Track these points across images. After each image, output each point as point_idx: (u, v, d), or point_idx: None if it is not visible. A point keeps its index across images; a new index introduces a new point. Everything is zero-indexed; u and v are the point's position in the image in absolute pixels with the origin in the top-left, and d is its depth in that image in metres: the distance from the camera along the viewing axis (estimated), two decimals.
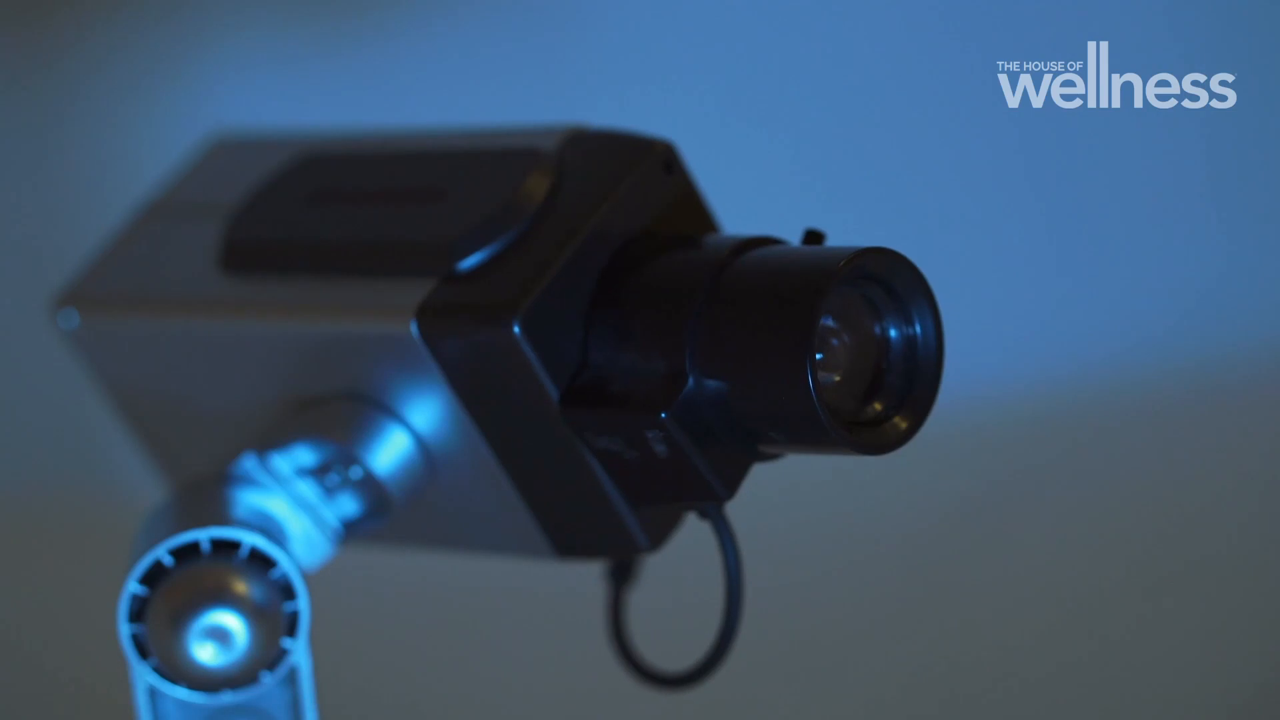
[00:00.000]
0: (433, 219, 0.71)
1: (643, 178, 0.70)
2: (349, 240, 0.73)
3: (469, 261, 0.69)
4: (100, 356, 0.79)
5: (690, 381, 0.65)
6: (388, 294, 0.70)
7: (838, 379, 0.66)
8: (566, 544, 0.72)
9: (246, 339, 0.74)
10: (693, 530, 0.73)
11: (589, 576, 0.81)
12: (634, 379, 0.66)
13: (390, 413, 0.72)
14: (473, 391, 0.69)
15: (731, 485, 0.67)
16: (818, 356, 0.65)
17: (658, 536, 0.70)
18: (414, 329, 0.69)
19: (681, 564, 0.83)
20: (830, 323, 0.66)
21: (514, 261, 0.68)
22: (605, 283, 0.68)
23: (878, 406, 0.66)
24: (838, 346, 0.66)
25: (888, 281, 0.66)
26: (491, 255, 0.69)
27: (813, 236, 0.68)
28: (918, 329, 0.66)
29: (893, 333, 0.66)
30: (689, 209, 0.71)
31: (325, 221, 0.75)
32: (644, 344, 0.67)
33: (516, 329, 0.67)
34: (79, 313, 0.78)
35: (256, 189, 0.78)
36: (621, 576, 0.78)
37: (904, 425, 0.66)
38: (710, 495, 0.67)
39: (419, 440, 0.72)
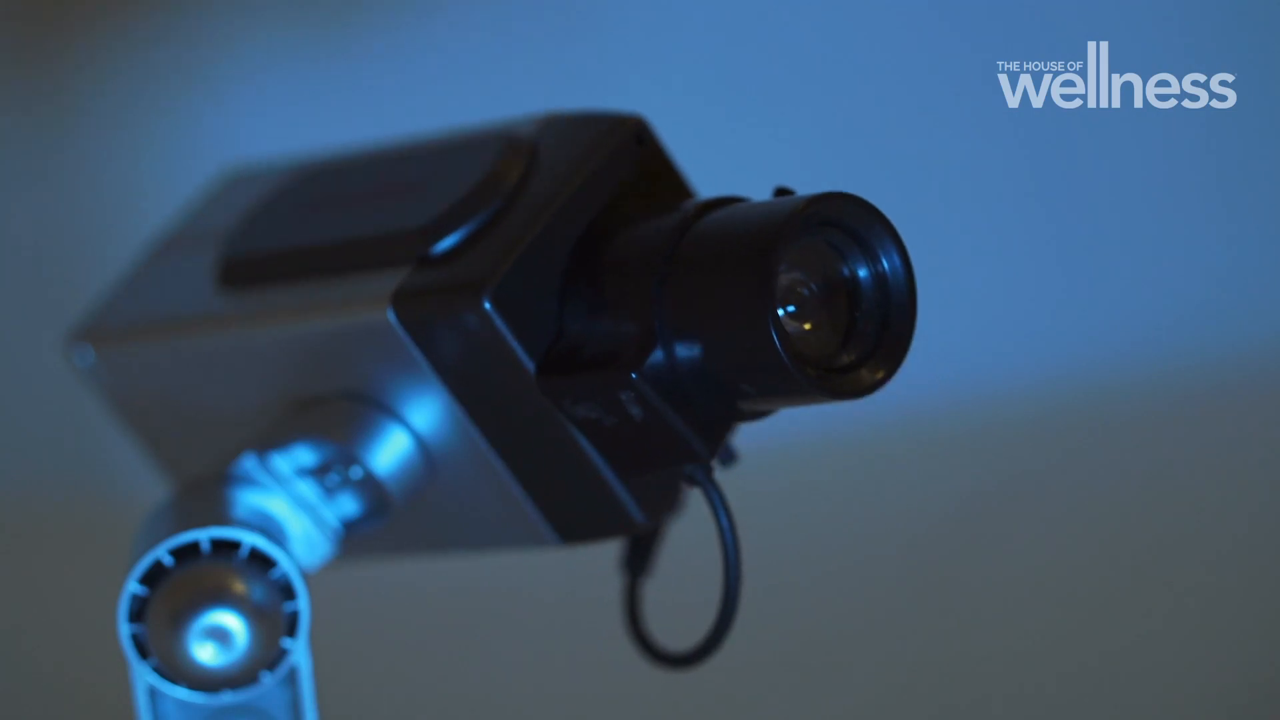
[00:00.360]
0: (410, 209, 0.72)
1: (614, 152, 0.70)
2: (333, 241, 0.74)
3: (443, 245, 0.70)
4: (112, 385, 0.80)
5: (659, 341, 0.66)
6: (367, 285, 0.71)
7: (808, 327, 0.66)
8: (567, 527, 0.72)
9: (244, 349, 0.75)
10: (697, 528, 0.73)
11: (588, 578, 0.81)
12: (606, 345, 0.67)
13: (387, 410, 0.72)
14: (456, 374, 0.70)
15: (713, 445, 0.67)
16: (790, 309, 0.66)
17: (653, 511, 0.70)
18: (391, 315, 0.69)
19: (685, 560, 0.83)
20: (798, 274, 0.66)
21: (487, 241, 0.69)
22: (578, 255, 0.69)
23: (853, 354, 0.66)
24: (808, 296, 0.66)
25: (849, 225, 0.66)
26: (465, 237, 0.70)
27: (782, 194, 0.69)
28: (884, 265, 0.66)
29: (862, 273, 0.67)
30: (664, 181, 0.71)
31: (311, 227, 0.76)
32: (614, 310, 0.67)
33: (487, 304, 0.67)
34: (94, 349, 0.79)
35: (250, 209, 0.79)
36: (637, 566, 0.78)
37: (879, 370, 0.66)
38: (691, 455, 0.67)
39: (417, 438, 0.72)
